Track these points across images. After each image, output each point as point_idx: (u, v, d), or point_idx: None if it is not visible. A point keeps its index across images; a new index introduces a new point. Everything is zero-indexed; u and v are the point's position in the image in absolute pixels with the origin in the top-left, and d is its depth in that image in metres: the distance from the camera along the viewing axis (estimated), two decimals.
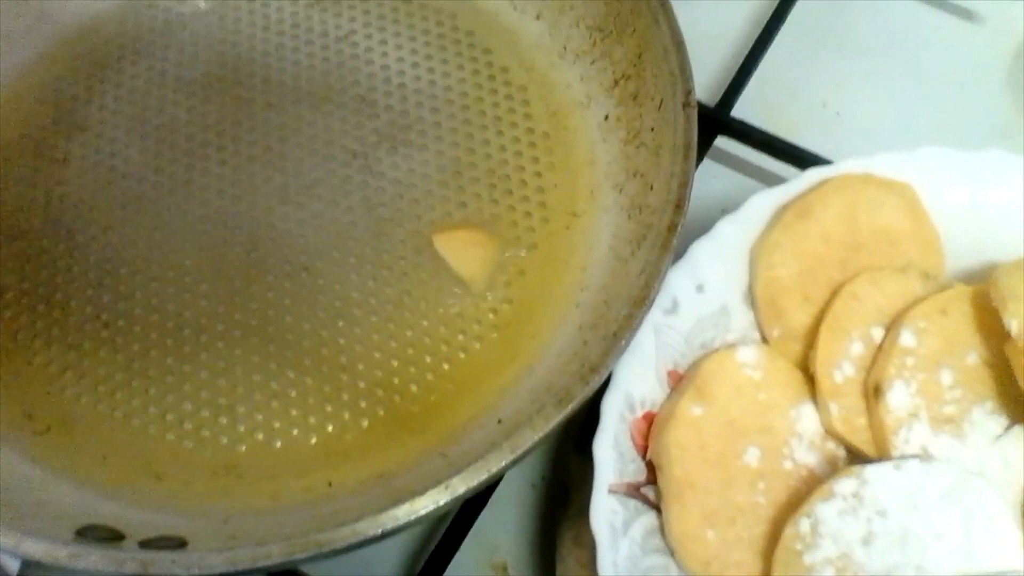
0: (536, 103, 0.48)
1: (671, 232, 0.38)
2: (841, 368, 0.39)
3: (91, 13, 0.51)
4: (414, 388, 0.40)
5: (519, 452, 0.33)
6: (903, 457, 0.36)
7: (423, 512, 0.32)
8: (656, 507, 0.37)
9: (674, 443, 0.37)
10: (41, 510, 0.35)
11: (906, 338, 0.38)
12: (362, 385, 0.40)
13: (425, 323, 0.42)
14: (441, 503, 0.32)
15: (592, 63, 0.47)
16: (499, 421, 0.38)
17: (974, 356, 0.38)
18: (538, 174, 0.46)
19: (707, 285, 0.41)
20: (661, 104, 0.42)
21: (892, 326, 0.39)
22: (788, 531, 0.35)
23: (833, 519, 0.35)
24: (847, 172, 0.42)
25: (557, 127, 0.47)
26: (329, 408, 0.40)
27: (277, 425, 0.40)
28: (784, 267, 0.41)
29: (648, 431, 0.39)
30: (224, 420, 0.40)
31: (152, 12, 0.52)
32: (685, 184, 0.39)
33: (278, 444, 0.39)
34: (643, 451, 0.38)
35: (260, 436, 0.39)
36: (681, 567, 0.36)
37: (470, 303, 0.42)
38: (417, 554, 0.43)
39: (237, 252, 0.44)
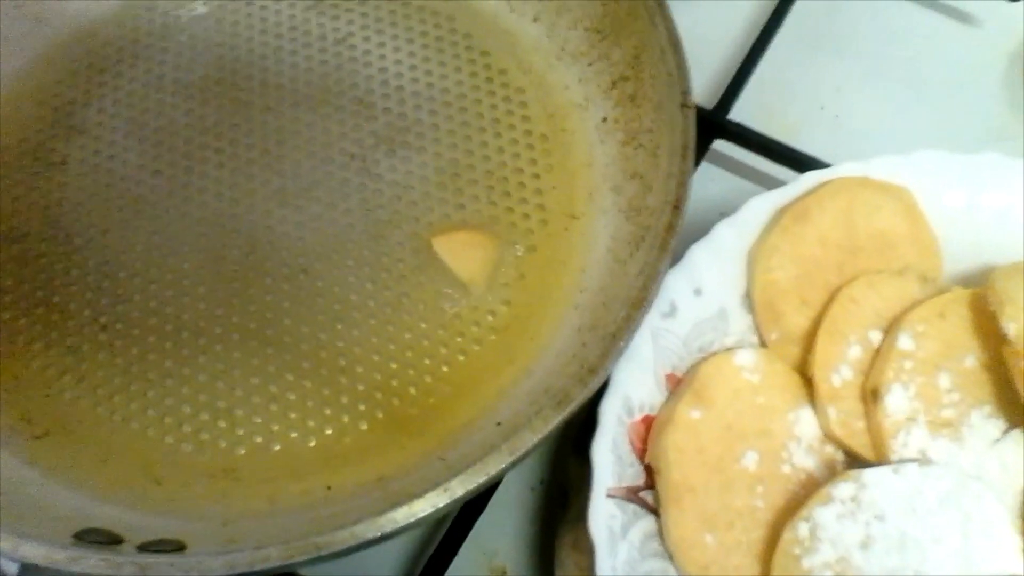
0: (534, 105, 0.48)
1: (669, 232, 0.38)
2: (839, 372, 0.39)
3: (89, 17, 0.51)
4: (413, 391, 0.40)
5: (518, 454, 0.33)
6: (901, 461, 0.37)
7: (422, 515, 0.32)
8: (654, 511, 0.37)
9: (672, 447, 0.37)
10: (39, 513, 0.35)
11: (904, 342, 0.38)
12: (361, 388, 0.40)
13: (424, 326, 0.42)
14: (440, 505, 0.32)
15: (590, 65, 0.47)
16: (498, 423, 0.38)
17: (972, 359, 0.38)
18: (536, 176, 0.46)
19: (705, 289, 0.41)
20: (659, 105, 0.42)
21: (890, 329, 0.39)
22: (786, 535, 0.35)
23: (831, 523, 0.35)
24: (844, 175, 0.42)
25: (555, 129, 0.47)
26: (328, 411, 0.40)
27: (275, 428, 0.40)
28: (782, 271, 0.41)
29: (646, 435, 0.38)
30: (223, 423, 0.40)
31: (150, 15, 0.51)
32: (683, 184, 0.39)
33: (277, 447, 0.39)
34: (641, 455, 0.38)
35: (259, 439, 0.39)
36: (679, 571, 0.36)
37: (469, 305, 0.42)
38: (416, 557, 0.43)
39: (235, 255, 0.44)
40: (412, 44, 0.50)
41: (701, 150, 0.50)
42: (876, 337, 0.39)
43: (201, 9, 0.52)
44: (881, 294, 0.40)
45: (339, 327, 0.42)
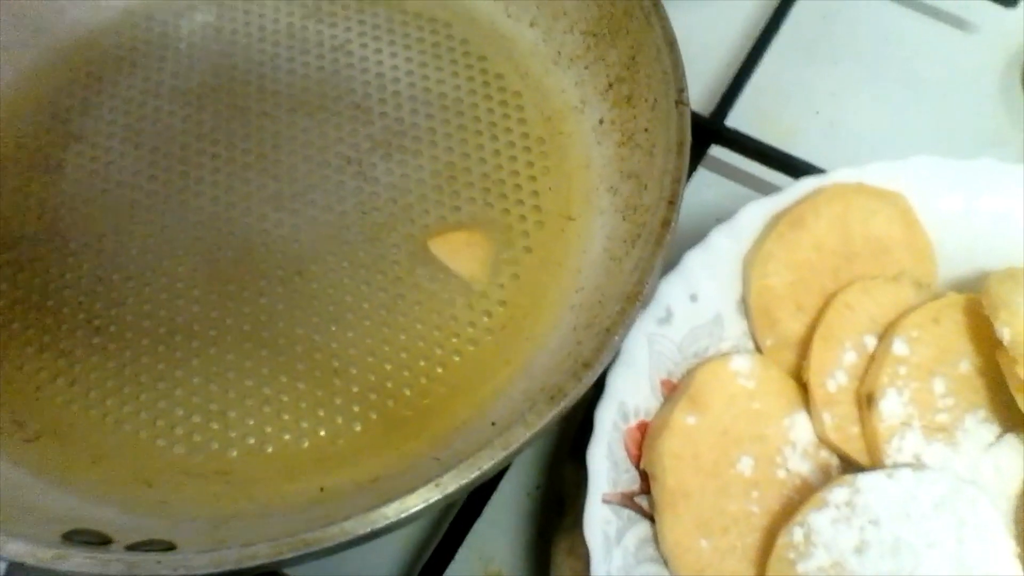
0: (530, 108, 0.48)
1: (665, 228, 0.38)
2: (834, 377, 0.39)
3: (88, 26, 0.51)
4: (408, 392, 0.40)
5: (511, 449, 0.32)
6: (896, 466, 0.36)
7: (414, 510, 0.32)
8: (650, 516, 0.37)
9: (668, 452, 0.37)
10: (28, 514, 0.34)
11: (899, 347, 0.38)
12: (355, 389, 0.40)
13: (419, 327, 0.42)
14: (432, 501, 0.32)
15: (586, 67, 0.48)
16: (493, 423, 0.37)
17: (966, 364, 0.38)
18: (533, 178, 0.46)
19: (700, 294, 0.41)
20: (655, 104, 0.42)
21: (885, 335, 0.39)
22: (781, 540, 0.35)
23: (826, 528, 0.35)
24: (840, 181, 0.42)
25: (552, 132, 0.47)
26: (322, 413, 0.40)
27: (269, 430, 0.40)
28: (777, 276, 0.41)
29: (642, 440, 0.38)
30: (216, 425, 0.40)
31: (149, 24, 0.52)
32: (679, 180, 0.39)
33: (270, 449, 0.39)
34: (637, 460, 0.38)
35: (252, 441, 0.39)
36: None
37: (464, 307, 0.42)
38: (412, 563, 0.43)
39: (230, 257, 0.44)
40: (409, 50, 0.50)
41: (697, 156, 0.50)
42: (871, 342, 0.39)
43: (200, 18, 0.52)
44: (876, 299, 0.40)
45: (334, 329, 0.42)
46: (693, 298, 0.40)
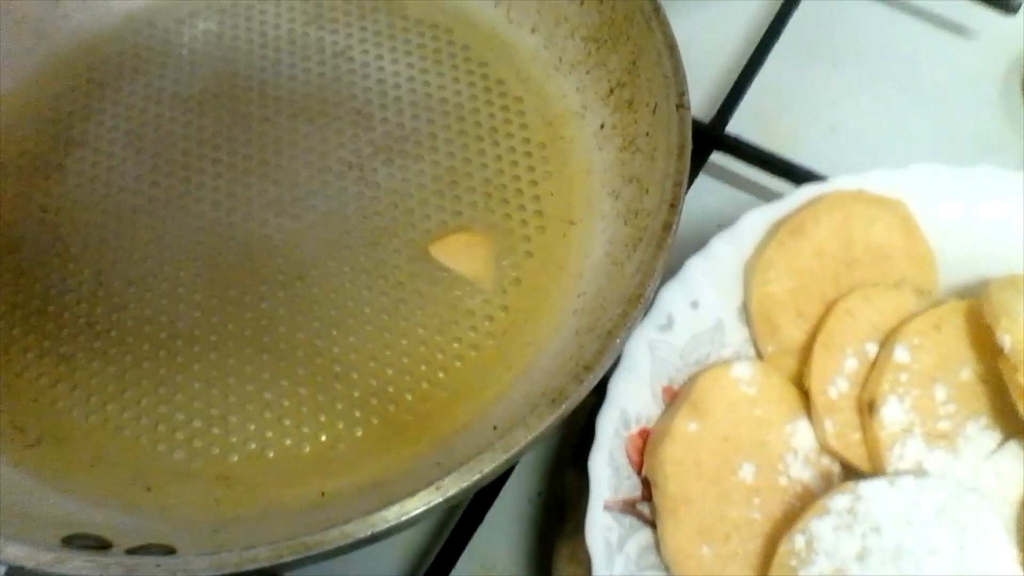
0: (532, 114, 0.48)
1: (666, 231, 0.38)
2: (836, 384, 0.39)
3: (90, 33, 0.51)
4: (409, 397, 0.40)
5: (512, 452, 0.32)
6: (897, 473, 0.36)
7: (415, 512, 0.31)
8: (651, 523, 0.37)
9: (669, 459, 0.37)
10: (28, 518, 0.34)
11: (900, 354, 0.38)
12: (356, 394, 0.40)
13: (420, 331, 0.42)
14: (432, 504, 0.32)
15: (587, 73, 0.48)
16: (494, 427, 0.37)
17: (968, 371, 0.38)
18: (534, 183, 0.46)
19: (702, 301, 0.41)
20: (656, 108, 0.42)
21: (886, 342, 0.39)
22: (783, 547, 0.35)
23: (828, 535, 0.35)
24: (841, 189, 0.42)
25: (553, 137, 0.47)
26: (323, 418, 0.40)
27: (270, 435, 0.39)
28: (778, 283, 0.41)
29: (643, 447, 0.38)
30: (216, 430, 0.40)
31: (150, 31, 0.52)
32: (680, 184, 0.39)
33: (271, 454, 0.39)
34: (638, 467, 0.38)
35: (253, 446, 0.39)
36: None
37: (465, 311, 0.42)
38: (414, 569, 0.42)
39: (231, 262, 0.44)
40: (411, 56, 0.50)
41: (698, 163, 0.50)
42: (872, 349, 0.39)
43: (201, 25, 0.52)
44: (877, 307, 0.40)
45: (335, 333, 0.42)
46: (694, 305, 0.41)
